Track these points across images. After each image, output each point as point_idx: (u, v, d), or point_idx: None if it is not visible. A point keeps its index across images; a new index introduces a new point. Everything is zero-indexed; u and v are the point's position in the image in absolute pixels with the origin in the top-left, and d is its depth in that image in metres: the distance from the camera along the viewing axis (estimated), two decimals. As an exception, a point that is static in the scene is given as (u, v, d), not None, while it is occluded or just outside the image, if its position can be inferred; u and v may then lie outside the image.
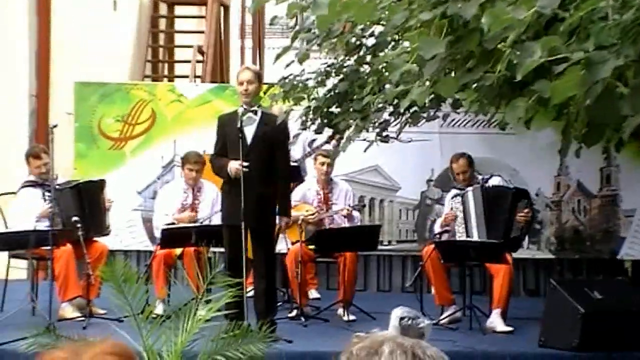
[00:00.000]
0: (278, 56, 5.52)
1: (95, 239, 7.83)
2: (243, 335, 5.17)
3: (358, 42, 6.27)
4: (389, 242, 9.60)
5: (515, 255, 7.76)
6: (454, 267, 7.98)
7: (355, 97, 6.15)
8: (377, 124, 6.47)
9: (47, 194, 7.62)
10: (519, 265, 8.63)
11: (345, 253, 7.79)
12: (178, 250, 7.81)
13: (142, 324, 4.92)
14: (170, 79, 13.07)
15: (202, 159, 8.06)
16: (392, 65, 4.20)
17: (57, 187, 7.62)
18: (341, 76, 6.49)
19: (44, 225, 7.49)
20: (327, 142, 8.16)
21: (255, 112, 6.86)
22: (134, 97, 9.68)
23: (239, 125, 6.74)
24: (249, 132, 6.87)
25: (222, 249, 7.06)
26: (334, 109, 6.56)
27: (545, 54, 3.23)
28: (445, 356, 1.70)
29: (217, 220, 7.61)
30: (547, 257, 9.56)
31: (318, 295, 8.62)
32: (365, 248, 8.22)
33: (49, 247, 7.13)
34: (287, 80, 6.46)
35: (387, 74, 5.29)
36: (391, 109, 6.28)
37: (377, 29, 6.01)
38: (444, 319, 7.52)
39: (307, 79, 6.50)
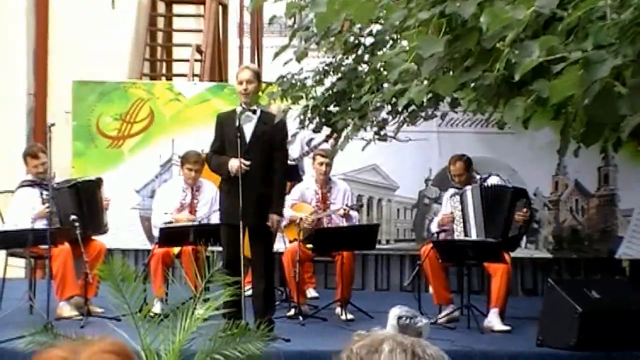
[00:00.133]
0: (276, 54, 5.53)
1: (93, 237, 7.83)
2: (241, 334, 5.17)
3: (356, 41, 6.27)
4: (387, 242, 9.60)
5: (513, 254, 7.76)
6: (452, 266, 7.97)
7: (353, 96, 6.15)
8: (375, 123, 6.47)
9: (44, 193, 7.61)
10: (516, 264, 8.63)
11: (342, 252, 7.79)
12: (176, 249, 7.80)
13: (140, 323, 4.92)
14: (169, 78, 13.06)
15: (201, 158, 8.05)
16: (390, 64, 4.20)
17: (54, 186, 7.61)
18: (339, 75, 6.49)
19: (41, 224, 7.49)
20: (325, 141, 8.15)
21: (254, 111, 6.86)
22: (132, 95, 9.67)
23: (237, 124, 6.74)
24: (248, 131, 6.87)
25: (220, 248, 7.06)
26: (332, 108, 6.56)
27: (544, 54, 3.23)
28: (445, 355, 1.70)
29: (215, 219, 7.61)
30: (545, 257, 9.57)
31: (316, 294, 8.62)
32: (363, 247, 8.22)
33: (46, 246, 7.13)
34: (285, 79, 6.45)
35: (385, 73, 5.29)
36: (389, 107, 6.28)
37: (376, 27, 6.01)
38: (442, 318, 7.53)
39: (305, 78, 6.50)
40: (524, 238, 8.54)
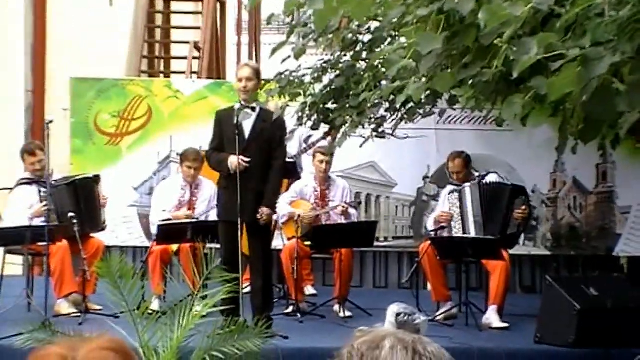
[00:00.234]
0: (274, 51, 5.52)
1: (91, 235, 7.83)
2: (239, 331, 5.18)
3: (354, 38, 6.27)
4: (385, 239, 9.60)
5: (511, 251, 7.75)
6: (451, 263, 7.97)
7: (351, 93, 6.15)
8: (373, 120, 6.47)
9: (42, 190, 7.60)
10: (515, 261, 8.63)
11: (340, 249, 7.79)
12: (174, 247, 7.80)
13: (138, 320, 4.93)
14: (167, 75, 13.05)
15: (200, 156, 8.03)
16: (388, 60, 4.20)
17: (52, 183, 7.61)
18: (337, 72, 6.49)
19: (39, 222, 7.48)
20: (323, 138, 8.17)
21: (253, 109, 6.85)
22: (130, 93, 9.67)
23: (235, 122, 6.74)
24: (247, 128, 6.86)
25: (219, 245, 7.05)
26: (330, 105, 6.56)
27: (542, 51, 3.23)
28: (446, 353, 1.70)
29: (213, 216, 7.61)
30: (543, 254, 9.57)
31: (314, 292, 8.62)
32: (361, 244, 8.22)
33: (44, 243, 7.12)
34: (283, 76, 6.46)
35: (383, 70, 5.29)
36: (387, 105, 6.28)
37: (374, 25, 6.01)
38: (440, 315, 7.53)
39: (304, 75, 6.50)
40: (523, 235, 8.54)
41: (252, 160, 6.76)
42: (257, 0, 5.70)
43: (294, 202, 8.20)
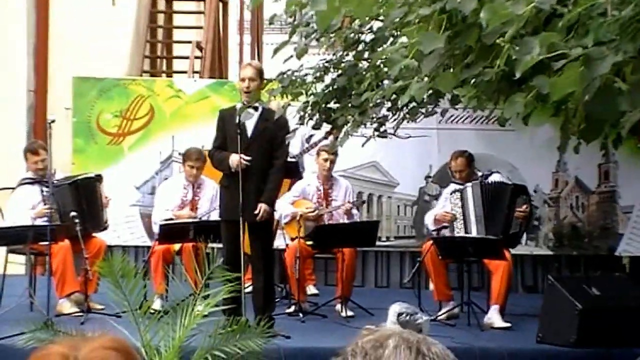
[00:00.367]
0: (276, 50, 5.52)
1: (93, 234, 7.83)
2: (241, 330, 5.18)
3: (356, 37, 6.27)
4: (387, 238, 9.60)
5: (513, 251, 7.76)
6: (452, 262, 7.96)
7: (353, 92, 6.15)
8: (375, 120, 6.46)
9: (45, 190, 7.61)
10: (517, 261, 8.63)
11: (344, 249, 7.79)
12: (176, 246, 7.80)
13: (140, 320, 4.93)
14: (169, 75, 13.05)
15: (203, 156, 8.04)
16: (391, 60, 4.20)
17: (55, 182, 7.61)
18: (339, 71, 6.49)
19: (41, 221, 7.49)
20: (325, 137, 8.16)
21: (256, 108, 6.85)
22: (132, 92, 9.67)
23: (237, 121, 6.74)
24: (249, 127, 6.87)
25: (221, 245, 7.05)
26: (332, 105, 6.55)
27: (544, 50, 3.23)
28: (451, 354, 1.70)
29: (215, 216, 7.61)
30: (545, 254, 9.56)
31: (316, 291, 8.62)
32: (363, 244, 8.22)
33: (47, 243, 7.13)
34: (285, 76, 6.45)
35: (385, 69, 5.28)
36: (389, 104, 6.28)
37: (376, 24, 6.00)
38: (442, 315, 7.53)
39: (306, 75, 6.49)
40: (525, 235, 8.54)
41: (254, 159, 6.76)
42: (259, 0, 5.68)
43: (296, 201, 8.20)
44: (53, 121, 7.27)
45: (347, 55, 6.50)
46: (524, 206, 7.68)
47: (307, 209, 8.13)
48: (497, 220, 7.68)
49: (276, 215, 7.49)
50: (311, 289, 8.49)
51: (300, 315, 7.51)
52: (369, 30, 6.19)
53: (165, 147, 9.55)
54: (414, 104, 6.05)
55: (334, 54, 6.62)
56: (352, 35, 6.15)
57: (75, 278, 7.48)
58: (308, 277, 8.36)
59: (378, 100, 5.66)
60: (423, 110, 6.68)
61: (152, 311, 5.36)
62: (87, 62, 10.53)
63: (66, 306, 7.44)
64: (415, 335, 1.70)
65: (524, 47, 3.29)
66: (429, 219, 8.18)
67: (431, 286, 7.98)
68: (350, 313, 7.66)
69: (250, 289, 7.10)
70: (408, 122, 6.85)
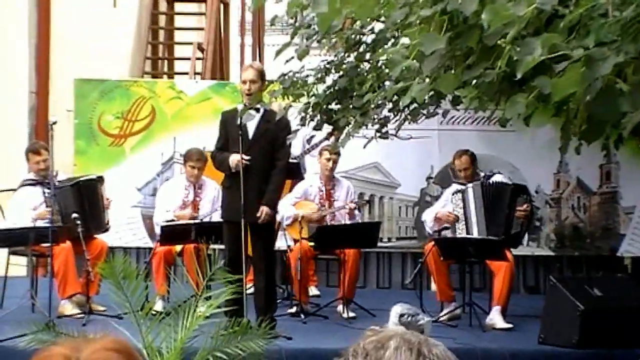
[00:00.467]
0: (278, 52, 5.52)
1: (94, 236, 7.83)
2: (243, 332, 5.17)
3: (358, 38, 6.27)
4: (389, 239, 9.60)
5: (515, 252, 7.76)
6: (454, 263, 7.96)
7: (355, 93, 6.15)
8: (376, 121, 6.47)
9: (46, 191, 7.61)
10: (518, 262, 8.62)
11: (348, 250, 7.79)
12: (178, 247, 7.81)
13: (141, 321, 4.93)
14: (170, 76, 13.06)
15: (204, 156, 8.05)
16: (392, 61, 4.20)
17: (56, 184, 7.61)
18: (341, 73, 6.49)
19: (43, 223, 7.49)
20: (327, 138, 8.16)
21: (257, 109, 6.85)
22: (133, 94, 9.68)
23: (238, 122, 6.75)
24: (251, 128, 6.87)
25: (222, 246, 7.06)
26: (333, 106, 6.55)
27: (546, 51, 3.23)
28: (452, 355, 1.70)
29: (217, 217, 7.61)
30: (547, 254, 9.56)
31: (318, 293, 8.63)
32: (365, 245, 8.21)
33: (48, 244, 7.13)
34: (286, 77, 6.45)
35: (386, 70, 5.28)
36: (390, 105, 6.28)
37: (377, 25, 6.01)
38: (443, 316, 7.53)
39: (307, 76, 6.50)
40: (526, 236, 8.53)
41: (255, 160, 6.77)
42: (260, 2, 5.69)
43: (298, 202, 8.20)
44: (55, 123, 7.27)
45: (348, 56, 6.50)
46: (525, 205, 7.68)
47: (310, 209, 8.13)
48: (498, 221, 7.68)
49: (278, 217, 7.48)
50: (313, 290, 8.50)
51: (302, 316, 7.51)
52: (370, 32, 6.19)
53: (166, 149, 9.56)
54: (415, 105, 6.05)
55: (335, 55, 6.62)
56: (353, 36, 6.15)
57: (76, 279, 7.48)
58: (310, 279, 8.36)
59: (379, 102, 5.66)
60: (424, 112, 6.69)
61: (153, 312, 5.36)
62: (88, 63, 10.53)
63: (68, 308, 7.45)
64: (417, 336, 1.70)
65: (526, 48, 3.29)
66: (428, 217, 8.15)
67: (433, 287, 7.97)
68: (351, 314, 7.65)
69: (252, 290, 7.10)
70: (409, 123, 6.85)
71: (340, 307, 7.77)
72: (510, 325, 7.31)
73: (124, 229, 9.35)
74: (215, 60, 12.54)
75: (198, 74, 12.05)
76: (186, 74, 12.29)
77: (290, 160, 7.62)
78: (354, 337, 1.73)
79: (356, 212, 8.30)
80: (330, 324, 7.43)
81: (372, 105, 5.70)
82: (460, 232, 7.82)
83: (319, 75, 6.52)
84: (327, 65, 6.61)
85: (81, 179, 8.04)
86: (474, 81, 4.21)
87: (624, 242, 9.46)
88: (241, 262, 6.49)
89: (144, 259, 8.73)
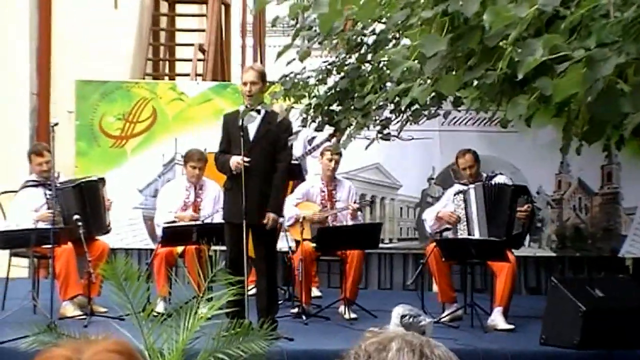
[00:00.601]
0: (279, 54, 5.51)
1: (96, 237, 7.83)
2: (244, 333, 5.18)
3: (359, 40, 6.27)
4: (390, 240, 9.60)
5: (516, 253, 7.75)
6: (456, 264, 7.96)
7: (356, 95, 6.15)
8: (378, 122, 6.46)
9: (48, 193, 7.62)
10: (520, 263, 8.61)
11: (352, 251, 7.79)
12: (179, 249, 7.81)
13: (143, 322, 4.93)
14: (172, 77, 13.07)
15: (204, 157, 8.07)
16: (393, 62, 4.20)
17: (58, 185, 7.62)
18: (342, 74, 6.48)
19: (44, 224, 7.50)
20: (328, 139, 8.16)
21: (258, 111, 6.86)
22: (135, 95, 9.68)
23: (240, 124, 6.76)
24: (252, 130, 6.89)
25: (224, 247, 7.06)
26: (334, 107, 6.55)
27: (547, 52, 3.22)
28: (454, 356, 1.70)
29: (218, 218, 7.62)
30: (548, 255, 9.56)
31: (319, 294, 8.63)
32: (366, 246, 8.21)
33: (50, 246, 7.13)
34: (287, 78, 6.45)
35: (388, 71, 5.28)
36: (392, 106, 6.28)
37: (378, 27, 6.00)
38: (445, 316, 7.53)
39: (308, 77, 6.49)
40: (528, 237, 8.53)
41: (257, 162, 6.77)
42: (262, 4, 5.68)
43: (299, 203, 8.20)
44: (56, 124, 7.27)
45: (349, 57, 6.50)
46: (526, 206, 7.68)
47: (313, 212, 8.14)
48: (500, 222, 7.68)
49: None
50: (314, 291, 8.50)
51: (304, 317, 7.51)
52: (371, 33, 6.19)
53: (168, 150, 9.56)
54: (416, 106, 6.05)
55: (336, 57, 6.61)
56: (354, 37, 6.15)
57: (78, 281, 7.49)
58: (312, 280, 8.36)
59: (381, 103, 5.65)
60: (426, 113, 6.68)
61: (155, 314, 5.36)
62: (89, 65, 10.54)
63: (69, 309, 7.45)
64: (419, 337, 1.70)
65: (527, 49, 3.28)
66: (428, 216, 8.14)
67: (434, 288, 7.97)
68: (353, 315, 7.65)
69: (253, 291, 7.11)
70: (410, 124, 6.84)
71: (341, 308, 7.77)
72: (511, 326, 7.31)
73: (125, 230, 9.36)
74: (216, 62, 12.56)
75: (199, 75, 12.06)
76: (187, 75, 12.30)
77: (292, 162, 7.63)
78: (355, 338, 1.73)
79: (358, 212, 8.31)
80: (332, 325, 7.43)
81: (374, 107, 5.70)
82: (462, 233, 7.82)
83: (320, 77, 6.51)
84: (329, 67, 6.60)
85: (83, 180, 8.04)
86: (475, 82, 4.21)
87: (625, 243, 9.46)
88: (242, 263, 6.50)
89: (145, 261, 8.74)
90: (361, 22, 5.63)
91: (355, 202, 8.27)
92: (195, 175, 8.07)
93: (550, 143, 8.05)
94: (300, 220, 7.86)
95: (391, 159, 9.39)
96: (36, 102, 10.57)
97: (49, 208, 7.57)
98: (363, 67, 6.35)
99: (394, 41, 5.86)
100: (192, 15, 14.17)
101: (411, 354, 1.65)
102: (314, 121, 6.69)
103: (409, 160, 9.45)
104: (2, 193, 8.17)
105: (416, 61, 4.00)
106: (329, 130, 6.88)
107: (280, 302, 7.55)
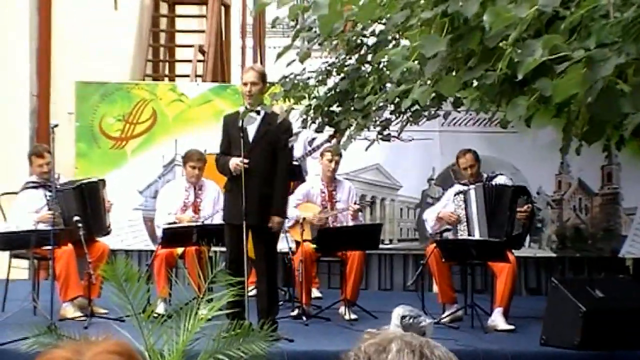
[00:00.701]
0: (279, 55, 5.51)
1: (96, 238, 7.84)
2: (244, 334, 5.18)
3: (359, 41, 6.27)
4: (390, 241, 9.60)
5: (516, 253, 7.75)
6: (456, 265, 7.96)
7: (356, 96, 6.14)
8: (378, 123, 6.46)
9: (48, 194, 7.62)
10: (520, 264, 8.61)
11: (352, 252, 7.79)
12: (179, 250, 7.81)
13: (143, 324, 4.93)
14: (171, 79, 13.08)
15: (203, 157, 8.08)
16: (392, 63, 4.20)
17: (58, 187, 7.62)
18: (342, 75, 6.48)
19: (44, 226, 7.50)
20: (328, 141, 8.16)
21: (258, 112, 6.86)
22: (135, 96, 9.68)
23: (239, 125, 6.76)
24: (251, 131, 6.89)
25: (224, 248, 7.06)
26: (334, 108, 6.55)
27: (547, 53, 3.22)
28: (454, 356, 1.70)
29: (218, 219, 7.62)
30: (549, 256, 9.56)
31: (319, 295, 8.63)
32: (366, 247, 8.21)
33: (50, 247, 7.13)
34: (287, 80, 6.45)
35: (388, 72, 5.28)
36: (392, 107, 6.28)
37: (378, 27, 6.00)
38: (445, 317, 7.53)
39: (308, 78, 6.49)
40: (528, 237, 8.53)
41: (256, 163, 6.78)
42: (261, 6, 5.68)
43: (300, 204, 8.20)
44: (56, 125, 7.27)
45: (349, 58, 6.50)
46: (525, 206, 7.68)
47: (313, 214, 8.14)
48: (500, 223, 7.68)
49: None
50: (314, 292, 8.50)
51: (304, 318, 7.51)
52: (371, 34, 6.19)
53: (168, 151, 9.57)
54: (416, 107, 6.05)
55: (336, 58, 6.61)
56: (354, 38, 6.15)
57: (78, 282, 7.49)
58: (312, 280, 8.36)
59: (381, 104, 5.65)
60: (426, 113, 6.68)
61: (155, 315, 5.36)
62: (89, 66, 10.54)
63: (70, 310, 7.45)
64: (418, 338, 1.71)
65: (527, 49, 3.28)
66: (429, 216, 8.15)
67: (434, 289, 7.97)
68: (353, 316, 7.65)
69: (254, 292, 7.10)
70: (411, 125, 6.84)
71: (342, 309, 7.77)
72: (512, 327, 7.31)
73: (125, 231, 9.36)
74: (216, 63, 12.57)
75: (199, 76, 12.07)
76: (187, 76, 12.31)
77: (292, 163, 7.63)
78: (356, 339, 1.73)
79: (359, 213, 8.31)
80: (332, 326, 7.43)
81: (374, 108, 5.70)
82: (462, 234, 7.83)
83: (320, 78, 6.51)
84: (329, 68, 6.60)
85: (83, 181, 8.05)
86: (475, 83, 4.21)
87: (625, 243, 9.46)
88: (243, 264, 6.50)
89: (145, 262, 8.73)
90: (361, 23, 5.63)
91: (355, 203, 8.27)
92: (195, 175, 8.08)
93: (550, 143, 8.05)
94: (300, 221, 7.86)
95: (391, 159, 9.39)
96: (36, 104, 10.57)
97: (49, 209, 7.57)
98: (363, 68, 6.35)
99: (393, 42, 5.86)
100: (192, 17, 14.17)
101: (411, 354, 1.65)
102: (314, 122, 6.69)
103: (409, 161, 9.45)
104: (2, 195, 8.16)
105: (416, 62, 4.00)
106: (329, 131, 6.88)
107: (280, 303, 7.54)
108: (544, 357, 6.66)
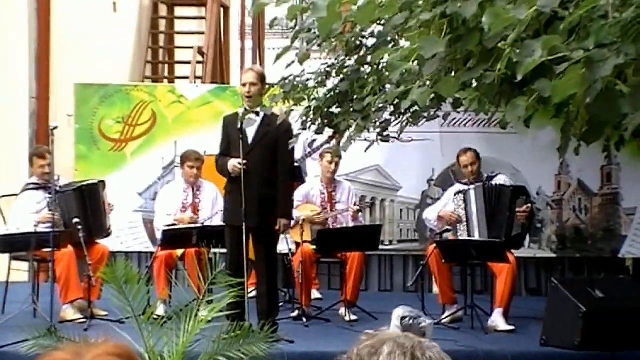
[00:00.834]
0: (278, 56, 5.52)
1: (96, 240, 7.84)
2: (245, 335, 5.18)
3: (358, 42, 6.27)
4: (390, 242, 9.59)
5: (516, 254, 7.75)
6: (456, 266, 7.96)
7: (355, 97, 6.14)
8: (378, 124, 6.46)
9: (48, 196, 7.62)
10: (520, 264, 8.62)
11: (352, 253, 7.79)
12: (179, 252, 7.81)
13: (143, 325, 4.93)
14: (171, 80, 13.08)
15: (201, 157, 8.09)
16: (392, 64, 4.20)
17: (58, 189, 7.62)
18: (342, 76, 6.48)
19: (44, 228, 7.50)
20: (328, 142, 8.17)
21: (257, 113, 6.87)
22: (134, 98, 9.68)
23: (239, 126, 6.76)
24: (250, 132, 6.89)
25: (224, 250, 7.06)
26: (334, 109, 6.55)
27: (546, 53, 3.22)
28: (447, 357, 1.70)
29: (218, 220, 7.62)
30: (549, 256, 9.56)
31: (320, 296, 8.62)
32: (366, 248, 8.21)
33: (50, 249, 7.13)
34: (287, 81, 6.45)
35: (387, 73, 5.28)
36: (392, 108, 6.28)
37: (377, 29, 6.00)
38: (445, 318, 7.53)
39: (308, 80, 6.49)
40: (528, 237, 8.53)
41: (256, 164, 6.78)
42: (260, 7, 5.69)
43: (300, 205, 8.20)
44: (55, 128, 7.28)
45: (349, 59, 6.50)
46: (525, 206, 7.68)
47: (313, 212, 8.14)
48: (499, 223, 7.68)
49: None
50: (315, 293, 8.50)
51: (304, 319, 7.51)
52: (370, 35, 6.19)
53: (167, 153, 9.56)
54: (416, 108, 6.05)
55: (335, 59, 6.61)
56: (353, 39, 6.15)
57: (78, 284, 7.49)
58: (312, 282, 8.36)
59: (380, 105, 5.65)
60: (425, 114, 6.68)
61: (155, 317, 5.35)
62: (89, 68, 10.54)
63: (70, 312, 7.45)
64: (412, 339, 1.71)
65: (526, 50, 3.28)
66: (430, 215, 8.15)
67: (435, 289, 7.97)
68: (354, 317, 7.66)
69: (254, 293, 7.10)
70: (410, 125, 6.84)
71: (342, 310, 7.77)
72: (512, 327, 7.31)
73: (125, 233, 9.36)
74: (215, 64, 12.58)
75: (198, 78, 12.07)
76: (187, 78, 12.31)
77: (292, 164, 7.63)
78: (356, 340, 1.73)
79: (359, 213, 8.31)
80: (332, 327, 7.43)
81: (373, 109, 5.70)
82: (462, 234, 7.83)
83: (320, 79, 6.51)
84: (328, 69, 6.60)
85: (84, 183, 8.05)
86: (475, 83, 4.21)
87: (625, 243, 9.46)
88: (243, 266, 6.51)
89: (145, 264, 8.72)
90: (360, 25, 5.63)
91: (355, 204, 8.27)
92: (193, 175, 8.09)
93: (550, 144, 8.04)
94: (300, 222, 7.86)
95: (391, 160, 9.39)
96: (35, 106, 10.57)
97: (50, 211, 7.56)
98: (362, 69, 6.35)
99: (392, 43, 5.86)
100: (191, 18, 14.17)
101: (402, 356, 1.66)
102: (313, 124, 6.69)
103: (409, 162, 9.44)
104: (1, 197, 8.16)
105: (415, 63, 4.00)
106: (328, 132, 6.88)
107: (280, 304, 7.55)
108: (544, 358, 6.66)
